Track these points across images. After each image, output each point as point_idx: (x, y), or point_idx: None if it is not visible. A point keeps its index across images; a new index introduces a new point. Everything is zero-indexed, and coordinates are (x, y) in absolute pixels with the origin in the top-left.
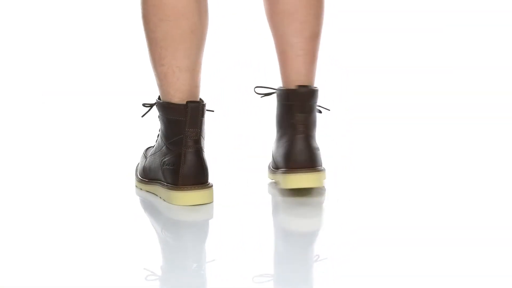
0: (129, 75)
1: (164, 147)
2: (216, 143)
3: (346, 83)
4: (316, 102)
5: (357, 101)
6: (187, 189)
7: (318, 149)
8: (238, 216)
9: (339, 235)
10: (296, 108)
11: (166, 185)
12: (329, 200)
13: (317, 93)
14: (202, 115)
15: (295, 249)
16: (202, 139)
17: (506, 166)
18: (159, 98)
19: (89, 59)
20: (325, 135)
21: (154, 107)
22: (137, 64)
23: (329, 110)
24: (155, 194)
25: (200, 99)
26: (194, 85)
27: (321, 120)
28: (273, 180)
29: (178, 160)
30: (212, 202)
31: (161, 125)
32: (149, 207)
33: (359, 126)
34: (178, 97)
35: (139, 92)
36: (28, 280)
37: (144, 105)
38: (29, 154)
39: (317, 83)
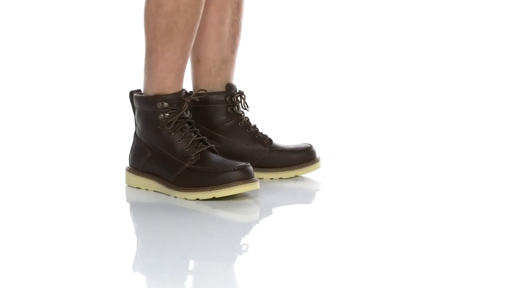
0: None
1: None
2: None
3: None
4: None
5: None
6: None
7: None
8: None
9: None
10: None
11: None
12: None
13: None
14: (131, 103)
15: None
16: (136, 127)
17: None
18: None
19: (88, 59)
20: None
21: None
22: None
23: None
24: None
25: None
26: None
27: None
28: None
29: None
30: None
31: None
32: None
33: (357, 124)
34: None
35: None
36: (27, 280)
37: None
38: (30, 154)
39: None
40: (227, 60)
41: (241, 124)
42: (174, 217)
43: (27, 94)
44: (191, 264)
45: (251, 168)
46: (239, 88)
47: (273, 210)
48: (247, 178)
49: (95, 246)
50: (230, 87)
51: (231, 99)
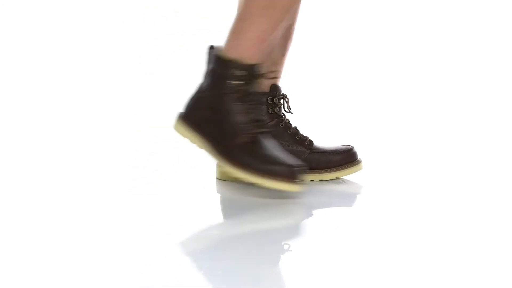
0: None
1: None
2: None
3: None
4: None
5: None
6: None
7: None
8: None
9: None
10: None
11: None
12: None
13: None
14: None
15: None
16: (204, 82)
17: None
18: None
19: (87, 60)
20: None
21: None
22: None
23: None
24: None
25: None
26: None
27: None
28: None
29: None
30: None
31: None
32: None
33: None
34: None
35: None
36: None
37: None
38: (31, 155)
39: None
40: (277, 63)
41: (281, 125)
42: (175, 215)
43: (28, 96)
44: (191, 264)
45: (299, 169)
46: (284, 90)
47: (273, 209)
48: (291, 177)
49: (94, 245)
50: (274, 89)
51: (272, 100)
